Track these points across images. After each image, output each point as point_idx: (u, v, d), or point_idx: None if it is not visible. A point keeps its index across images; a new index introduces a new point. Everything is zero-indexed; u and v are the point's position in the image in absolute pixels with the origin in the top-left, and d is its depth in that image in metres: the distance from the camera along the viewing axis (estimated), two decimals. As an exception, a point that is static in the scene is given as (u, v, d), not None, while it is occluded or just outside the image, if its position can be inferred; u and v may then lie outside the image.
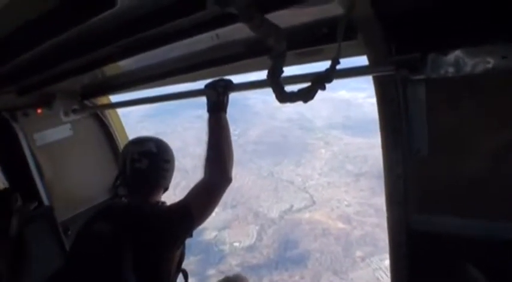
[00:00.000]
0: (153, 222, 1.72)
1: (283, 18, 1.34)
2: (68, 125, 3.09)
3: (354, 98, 16.55)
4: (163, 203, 1.93)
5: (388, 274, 4.96)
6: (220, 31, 1.48)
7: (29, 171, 2.81)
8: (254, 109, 16.44)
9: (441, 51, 1.19)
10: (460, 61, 1.17)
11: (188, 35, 1.47)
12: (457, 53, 1.16)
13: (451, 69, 1.19)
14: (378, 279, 6.42)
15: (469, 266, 1.29)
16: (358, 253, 7.24)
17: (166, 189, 2.01)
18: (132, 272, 1.61)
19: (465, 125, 1.24)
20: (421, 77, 1.25)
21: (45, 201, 2.90)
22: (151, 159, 1.88)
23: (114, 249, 1.65)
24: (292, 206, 9.38)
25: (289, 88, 1.34)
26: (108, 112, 3.32)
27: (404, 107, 1.32)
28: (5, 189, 1.60)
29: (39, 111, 2.91)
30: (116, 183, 1.97)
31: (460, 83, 1.20)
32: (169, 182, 2.01)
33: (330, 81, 1.27)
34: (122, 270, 1.60)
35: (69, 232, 2.92)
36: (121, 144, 3.28)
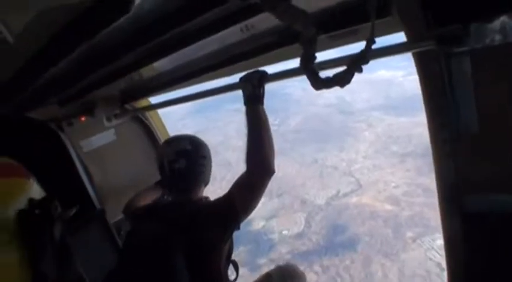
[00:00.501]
0: (199, 218, 1.75)
1: (311, 1, 1.30)
2: (112, 130, 3.21)
3: (394, 77, 16.04)
4: (207, 198, 1.96)
5: (441, 253, 4.83)
6: (249, 22, 1.46)
7: (78, 177, 2.96)
8: (293, 97, 16.32)
9: (485, 19, 1.10)
10: (506, 27, 1.07)
11: (215, 29, 1.46)
12: (503, 18, 1.07)
13: (497, 37, 1.10)
14: (430, 259, 6.23)
15: None
16: (409, 234, 7.05)
17: (206, 183, 2.04)
18: (185, 269, 1.65)
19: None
20: (465, 48, 1.17)
21: (97, 205, 3.03)
22: (188, 157, 1.92)
23: (166, 248, 1.69)
24: (338, 191, 9.26)
25: (325, 74, 1.30)
26: (149, 114, 3.41)
27: (449, 82, 1.24)
28: (45, 197, 1.66)
29: (82, 119, 3.03)
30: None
31: (509, 51, 1.11)
32: (209, 177, 2.04)
33: (366, 62, 1.22)
34: (176, 269, 1.64)
35: (122, 232, 3.04)
36: (164, 143, 3.38)
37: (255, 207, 1.79)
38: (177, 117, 16.18)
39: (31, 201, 1.62)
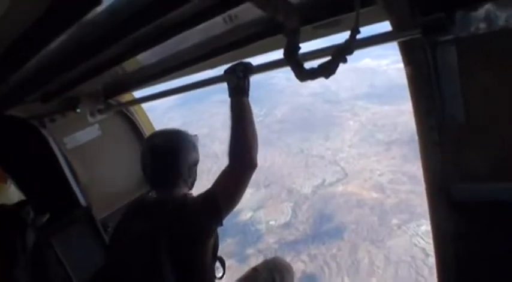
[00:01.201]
0: (182, 215, 1.74)
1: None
2: (96, 126, 3.16)
3: (378, 66, 16.13)
4: (190, 194, 1.94)
5: (426, 239, 4.95)
6: (233, 13, 1.43)
7: (63, 175, 2.90)
8: (278, 87, 16.29)
9: (470, 7, 1.09)
10: (491, 15, 1.07)
11: (198, 20, 1.43)
12: (488, 6, 1.07)
13: (482, 25, 1.09)
14: (415, 245, 6.35)
15: None
16: (394, 221, 7.15)
17: (192, 179, 2.04)
18: (170, 265, 1.63)
19: (503, 85, 1.15)
20: (450, 37, 1.16)
21: (83, 202, 2.99)
22: (167, 156, 1.91)
23: (150, 245, 1.68)
24: (324, 181, 9.29)
25: (309, 64, 1.29)
26: (133, 108, 3.37)
27: (435, 71, 1.23)
28: (16, 203, 1.58)
29: (65, 115, 2.97)
30: None
31: (494, 40, 1.11)
32: (193, 172, 2.02)
33: (351, 52, 1.21)
34: (161, 265, 1.63)
35: (109, 229, 3.01)
36: (149, 137, 3.35)
37: (238, 201, 1.78)
38: (162, 110, 16.03)
39: (0, 207, 1.55)
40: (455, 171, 1.32)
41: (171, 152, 1.92)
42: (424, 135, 1.37)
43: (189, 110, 16.27)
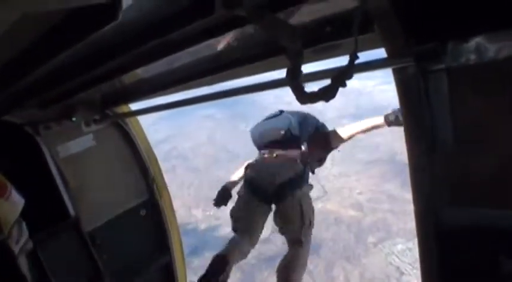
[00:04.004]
0: None
1: (295, 15, 1.33)
2: (90, 136, 3.12)
3: (364, 87, 16.43)
4: None
5: (401, 258, 5.02)
6: (236, 32, 1.47)
7: (54, 184, 2.84)
8: (264, 104, 16.38)
9: (461, 38, 1.16)
10: (481, 47, 1.13)
11: (199, 40, 1.46)
12: (478, 39, 1.13)
13: (472, 57, 1.15)
14: (390, 263, 6.46)
15: (503, 258, 1.26)
16: (370, 239, 7.26)
17: None
18: None
19: (492, 113, 1.21)
20: (442, 66, 1.22)
21: (72, 212, 2.93)
22: None
23: None
24: (304, 198, 9.36)
25: (307, 86, 1.32)
26: (129, 119, 3.34)
27: (427, 98, 1.29)
28: None
29: (60, 123, 2.94)
30: None
31: (484, 70, 1.17)
32: None
33: (350, 77, 1.25)
34: None
35: (97, 241, 2.95)
36: (143, 150, 3.33)
37: None
38: (148, 122, 15.89)
39: None
40: (445, 196, 1.37)
41: None
42: (414, 159, 1.41)
43: (174, 123, 16.18)
